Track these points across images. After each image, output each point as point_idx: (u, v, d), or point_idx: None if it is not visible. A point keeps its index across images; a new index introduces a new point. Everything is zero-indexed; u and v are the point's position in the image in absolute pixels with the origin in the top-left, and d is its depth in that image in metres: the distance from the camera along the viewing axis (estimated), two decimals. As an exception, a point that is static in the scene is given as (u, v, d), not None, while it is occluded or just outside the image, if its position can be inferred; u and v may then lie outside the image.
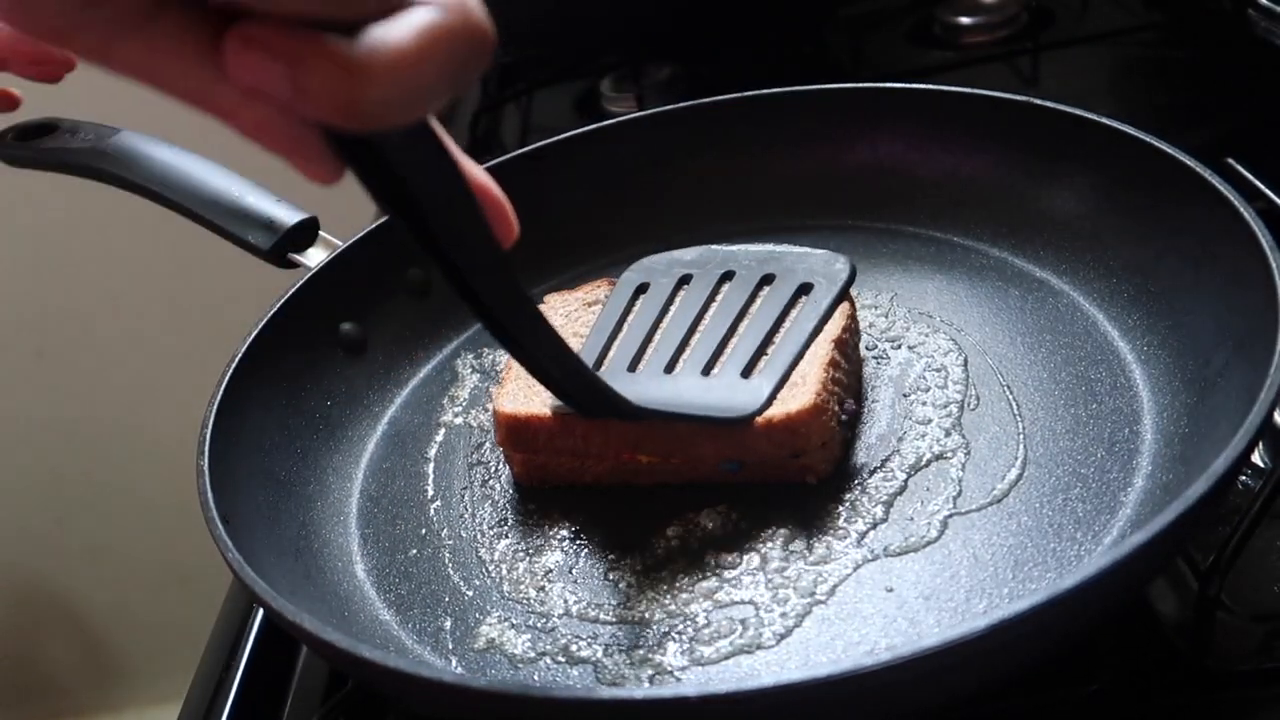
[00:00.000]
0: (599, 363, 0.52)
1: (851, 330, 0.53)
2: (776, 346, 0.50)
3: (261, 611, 0.54)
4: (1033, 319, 0.55)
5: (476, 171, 0.37)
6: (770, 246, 0.56)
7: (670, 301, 0.54)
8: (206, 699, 0.52)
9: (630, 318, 0.54)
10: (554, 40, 0.95)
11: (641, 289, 0.56)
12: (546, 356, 0.43)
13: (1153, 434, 0.47)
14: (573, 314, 0.57)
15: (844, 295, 0.52)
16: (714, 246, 0.57)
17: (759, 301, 0.53)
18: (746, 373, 0.49)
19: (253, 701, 0.51)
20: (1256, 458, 0.49)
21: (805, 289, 0.52)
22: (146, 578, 1.61)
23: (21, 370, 1.50)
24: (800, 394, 0.47)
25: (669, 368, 0.51)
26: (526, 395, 0.51)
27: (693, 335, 0.52)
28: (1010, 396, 0.51)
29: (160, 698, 1.54)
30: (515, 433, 0.50)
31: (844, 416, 0.49)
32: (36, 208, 1.38)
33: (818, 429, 0.47)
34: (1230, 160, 0.57)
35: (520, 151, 0.68)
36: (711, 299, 0.54)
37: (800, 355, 0.49)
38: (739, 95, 0.67)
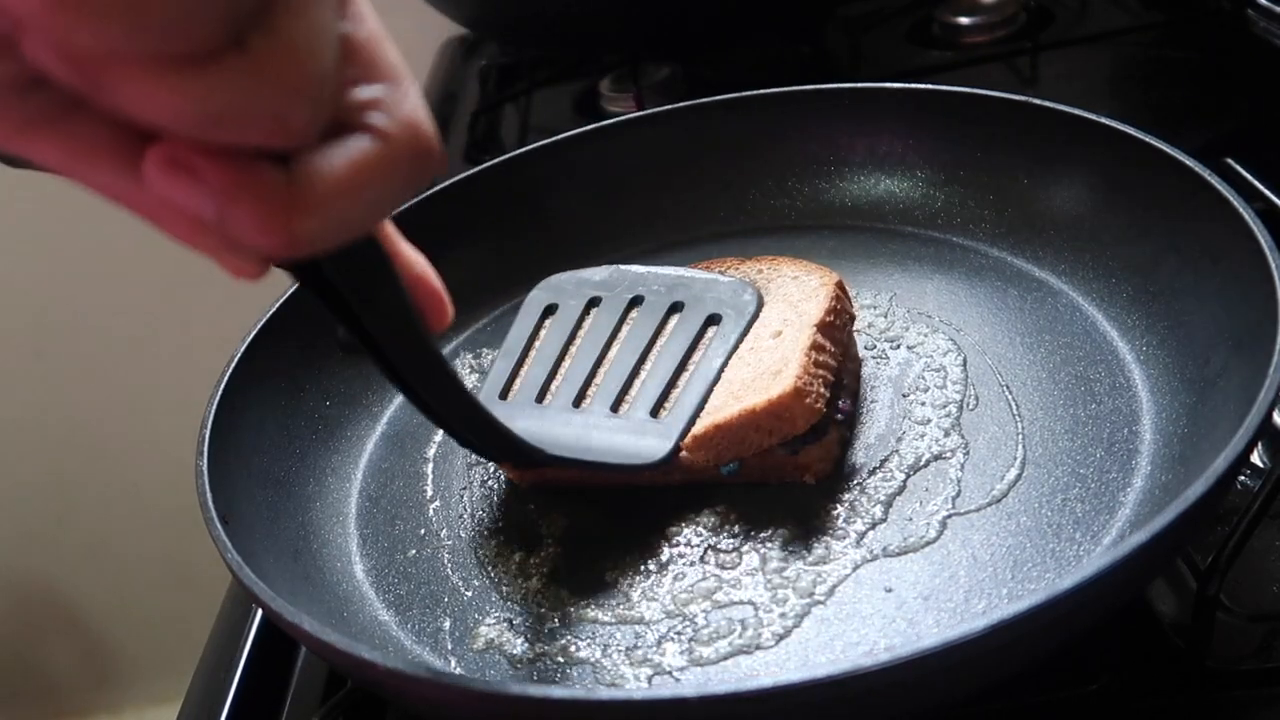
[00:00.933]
0: (506, 391, 0.52)
1: (838, 313, 0.52)
2: (684, 384, 0.50)
3: (261, 611, 0.54)
4: (1032, 319, 0.55)
5: (414, 262, 0.37)
6: (679, 271, 0.55)
7: (579, 325, 0.54)
8: (206, 699, 0.51)
9: (538, 342, 0.54)
10: (553, 40, 0.95)
11: (550, 310, 0.56)
12: (456, 416, 0.42)
13: (1152, 434, 0.47)
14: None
15: (749, 329, 0.52)
16: (622, 267, 0.56)
17: (667, 332, 0.53)
18: (655, 412, 0.49)
19: (252, 702, 0.51)
20: (1255, 458, 0.49)
21: (714, 320, 0.52)
22: (146, 578, 1.61)
23: (21, 370, 1.50)
24: (781, 379, 0.47)
25: (576, 402, 0.51)
26: None
27: (600, 366, 0.52)
28: (1009, 396, 0.51)
29: (159, 698, 1.54)
30: None
31: (839, 416, 0.49)
32: (36, 207, 1.38)
33: (802, 412, 0.47)
34: (1229, 160, 0.57)
35: (519, 151, 0.68)
36: (620, 325, 0.54)
37: (707, 396, 0.49)
38: (738, 95, 0.67)
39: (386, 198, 0.27)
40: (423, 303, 0.36)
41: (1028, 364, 0.53)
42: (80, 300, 1.46)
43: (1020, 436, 0.49)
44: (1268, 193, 0.55)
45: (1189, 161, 0.51)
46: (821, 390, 0.48)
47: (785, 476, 0.48)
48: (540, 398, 0.52)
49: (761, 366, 0.49)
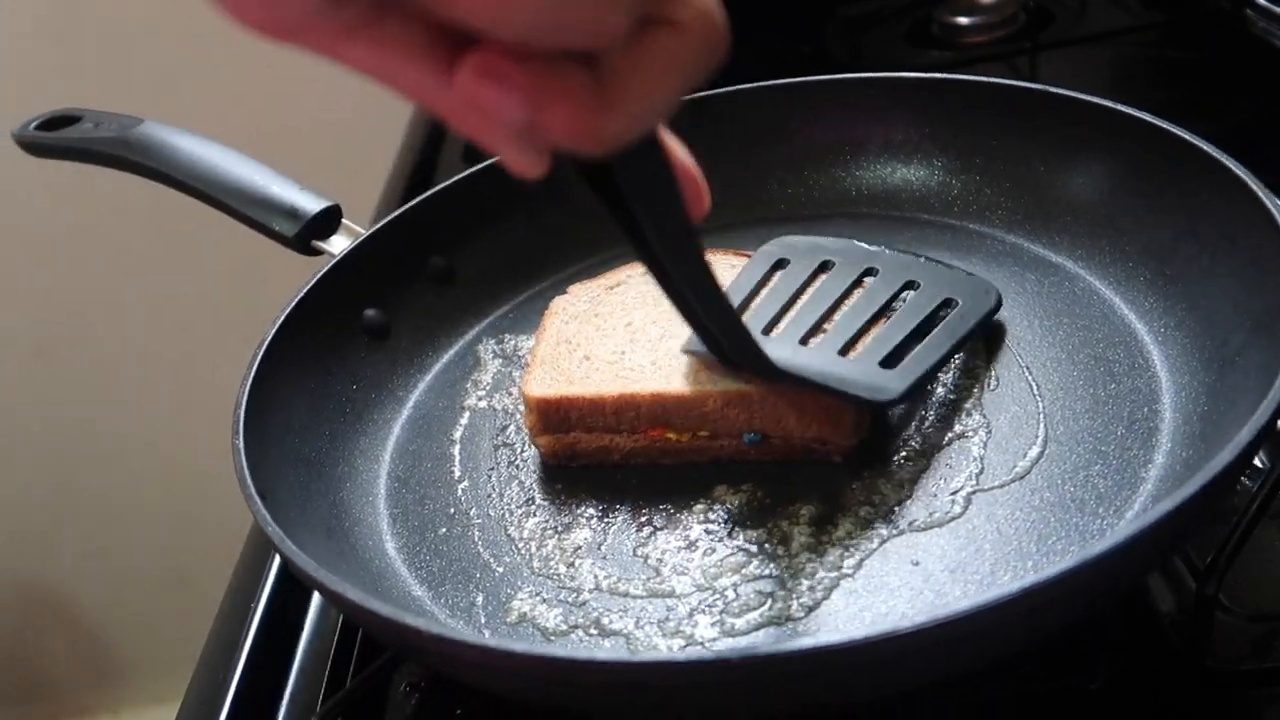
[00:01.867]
0: None
1: None
2: (921, 347, 0.50)
3: (259, 612, 0.55)
4: (1049, 302, 0.56)
5: (680, 154, 0.36)
6: (916, 256, 0.56)
7: (809, 281, 0.55)
8: (205, 699, 0.52)
9: (766, 289, 0.55)
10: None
11: (780, 264, 0.56)
12: (713, 313, 0.43)
13: (1172, 412, 0.48)
14: (597, 299, 0.58)
15: (988, 322, 0.52)
16: (858, 243, 0.57)
17: (903, 302, 0.53)
18: (887, 364, 0.49)
19: (251, 701, 0.51)
20: (1255, 458, 0.50)
21: (949, 303, 0.53)
22: (145, 578, 1.61)
23: (21, 371, 1.50)
24: None
25: (804, 340, 0.51)
26: (554, 378, 0.52)
27: (831, 316, 0.53)
28: (1029, 377, 0.52)
29: (159, 697, 1.54)
30: (547, 415, 0.51)
31: None
32: (36, 206, 1.38)
33: (848, 419, 0.48)
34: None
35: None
36: (852, 290, 0.54)
37: (942, 363, 0.50)
38: (754, 85, 0.68)
39: (684, 88, 0.27)
40: (686, 191, 0.36)
41: (1046, 346, 0.53)
42: (80, 301, 1.47)
43: (1041, 415, 0.50)
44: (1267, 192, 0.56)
45: (1205, 146, 0.52)
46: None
47: (807, 453, 0.49)
48: (768, 330, 0.52)
49: None
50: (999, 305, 0.53)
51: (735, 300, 0.53)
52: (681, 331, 0.52)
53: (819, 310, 0.53)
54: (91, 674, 1.72)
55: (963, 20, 0.93)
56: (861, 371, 0.49)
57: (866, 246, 0.57)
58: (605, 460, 0.51)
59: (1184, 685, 0.42)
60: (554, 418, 0.51)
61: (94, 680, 1.71)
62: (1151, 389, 0.49)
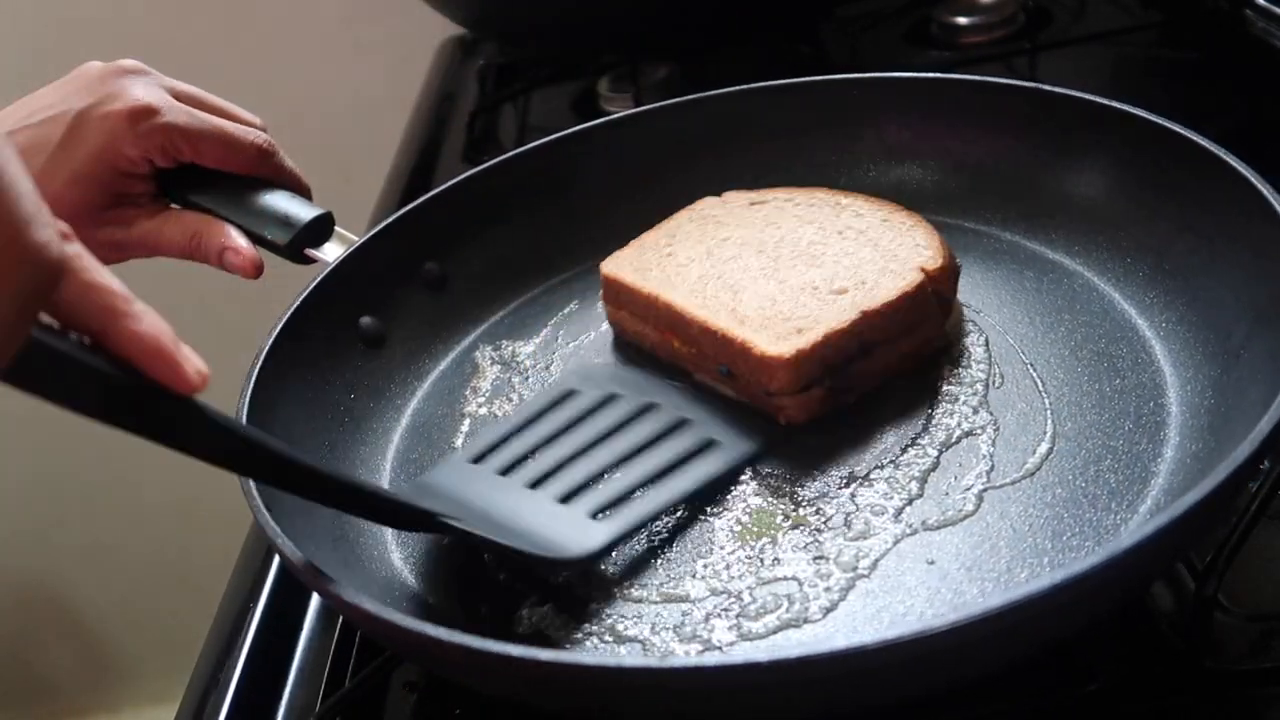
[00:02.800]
0: (481, 457, 0.51)
1: (941, 278, 0.54)
2: (639, 497, 0.48)
3: (258, 611, 0.54)
4: (1049, 300, 0.56)
5: (128, 328, 0.31)
6: (705, 394, 0.54)
7: (585, 417, 0.53)
8: (204, 698, 0.52)
9: (542, 420, 0.53)
10: (552, 40, 0.95)
11: (569, 395, 0.54)
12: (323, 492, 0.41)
13: (1178, 406, 0.48)
14: (733, 211, 0.62)
15: (739, 467, 0.50)
16: (652, 377, 0.56)
17: (660, 445, 0.51)
18: (596, 514, 0.47)
19: (250, 701, 0.51)
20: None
21: (709, 444, 0.50)
22: (144, 578, 1.59)
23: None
24: (787, 340, 0.50)
25: (534, 484, 0.49)
26: (630, 261, 0.59)
27: (576, 459, 0.50)
28: (1034, 374, 0.52)
29: (158, 697, 1.52)
30: (607, 287, 0.59)
31: (827, 383, 0.51)
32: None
33: (786, 378, 0.50)
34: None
35: (518, 150, 0.68)
36: (622, 429, 0.52)
37: (654, 516, 0.47)
38: (749, 86, 0.68)
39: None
40: (152, 369, 0.32)
41: (1049, 342, 0.53)
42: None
43: (1048, 412, 0.49)
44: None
45: (1198, 138, 0.52)
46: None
47: (763, 407, 0.52)
48: (506, 471, 0.50)
49: (789, 308, 0.52)
50: (759, 453, 0.50)
51: (494, 435, 0.52)
52: (759, 265, 0.56)
53: (562, 454, 0.51)
54: (91, 674, 1.70)
55: (962, 20, 0.93)
56: (566, 522, 0.47)
57: (659, 383, 0.55)
58: (641, 344, 0.58)
59: (1183, 685, 0.42)
60: (610, 292, 0.59)
61: (93, 680, 1.70)
62: (1156, 384, 0.50)
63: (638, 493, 0.48)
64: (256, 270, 0.59)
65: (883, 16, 0.97)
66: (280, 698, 0.51)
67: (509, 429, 0.53)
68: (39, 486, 1.54)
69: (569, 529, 0.47)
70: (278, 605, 0.55)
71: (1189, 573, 0.44)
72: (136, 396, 0.32)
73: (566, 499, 0.48)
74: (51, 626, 1.66)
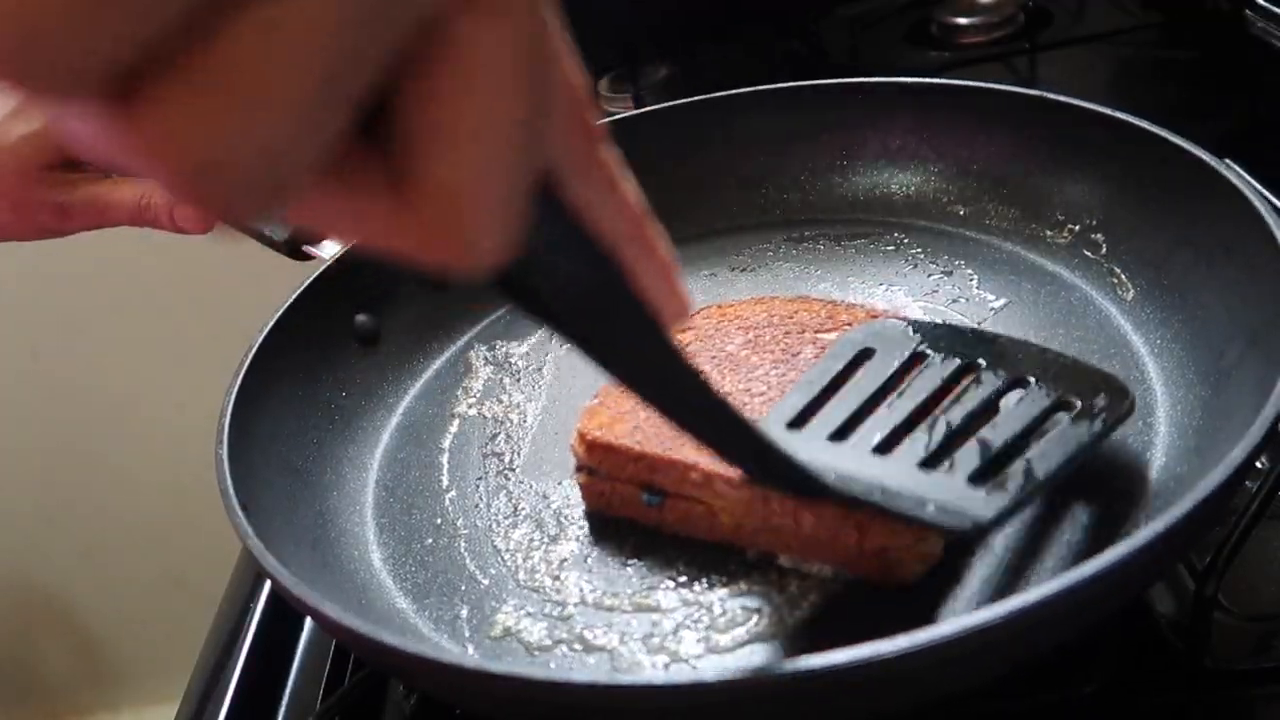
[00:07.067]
0: (800, 421, 0.46)
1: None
2: (1023, 461, 0.41)
3: (258, 611, 0.55)
4: (1045, 312, 0.56)
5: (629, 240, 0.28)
6: (1033, 346, 0.48)
7: (897, 378, 0.47)
8: (204, 698, 0.52)
9: (846, 385, 0.47)
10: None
11: (865, 354, 0.48)
12: (713, 432, 0.36)
13: (1166, 426, 0.47)
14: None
15: (1112, 429, 0.43)
16: (961, 326, 0.51)
17: (1009, 405, 0.45)
18: (976, 480, 0.41)
19: (250, 701, 0.51)
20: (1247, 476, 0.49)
21: (1064, 406, 0.44)
22: (143, 578, 1.61)
23: (17, 371, 1.50)
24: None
25: (881, 449, 0.43)
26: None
27: (918, 422, 0.44)
28: (1024, 389, 0.51)
29: (158, 697, 1.54)
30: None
31: None
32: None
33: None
34: (1228, 161, 0.57)
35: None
36: (949, 388, 0.46)
37: (1048, 482, 0.41)
38: (750, 90, 0.67)
39: (528, 121, 0.21)
40: (650, 287, 0.28)
41: (1042, 357, 0.53)
42: (77, 301, 1.46)
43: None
44: (1267, 193, 0.55)
45: (1202, 154, 0.51)
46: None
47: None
48: (838, 436, 0.45)
49: None
50: (1131, 410, 0.43)
51: (804, 399, 0.46)
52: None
53: (900, 415, 0.45)
54: (90, 674, 1.71)
55: (961, 20, 0.93)
56: (945, 490, 0.41)
57: (969, 330, 0.49)
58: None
59: (1183, 686, 0.41)
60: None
61: (93, 680, 1.71)
62: (1146, 402, 0.49)
63: (1017, 459, 0.42)
64: (207, 226, 0.60)
65: (882, 16, 0.97)
66: (280, 698, 0.51)
67: (815, 394, 0.46)
68: (37, 487, 1.56)
69: (953, 497, 0.40)
70: (277, 604, 0.56)
71: (1189, 573, 0.44)
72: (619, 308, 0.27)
73: (928, 465, 0.42)
74: (51, 627, 1.68)
